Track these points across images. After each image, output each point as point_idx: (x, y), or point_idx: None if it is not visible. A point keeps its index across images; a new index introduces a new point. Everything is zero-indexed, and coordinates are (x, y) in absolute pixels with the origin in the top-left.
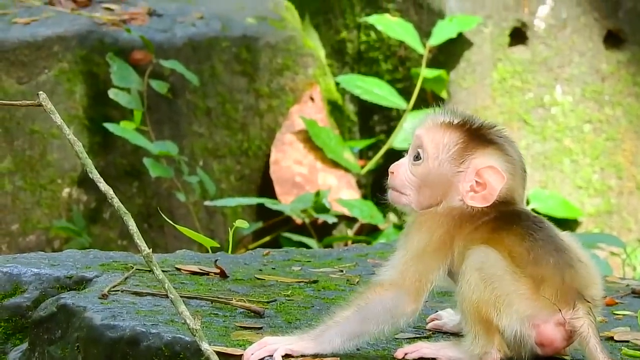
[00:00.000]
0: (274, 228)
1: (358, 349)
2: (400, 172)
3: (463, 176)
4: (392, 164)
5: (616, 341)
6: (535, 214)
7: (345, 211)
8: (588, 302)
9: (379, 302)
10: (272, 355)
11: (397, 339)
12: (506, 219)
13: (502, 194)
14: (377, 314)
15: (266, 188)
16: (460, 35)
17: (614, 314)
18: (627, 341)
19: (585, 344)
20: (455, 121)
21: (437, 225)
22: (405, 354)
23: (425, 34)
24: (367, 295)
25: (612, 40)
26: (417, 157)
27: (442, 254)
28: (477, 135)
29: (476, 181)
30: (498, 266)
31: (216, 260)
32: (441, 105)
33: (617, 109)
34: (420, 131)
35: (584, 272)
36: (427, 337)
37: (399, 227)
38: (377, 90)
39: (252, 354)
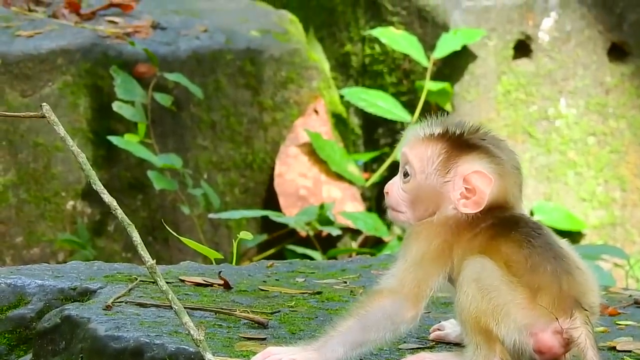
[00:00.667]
0: (279, 240)
1: (361, 359)
2: (394, 191)
3: (452, 185)
4: (387, 184)
5: (618, 351)
6: (533, 220)
7: (350, 224)
8: (585, 310)
9: (379, 309)
10: None
11: (400, 349)
12: (504, 226)
13: (495, 196)
14: (377, 321)
15: (270, 201)
16: (464, 48)
17: (617, 324)
18: (630, 351)
19: (583, 355)
20: (437, 132)
21: (435, 234)
22: None
23: (429, 46)
24: (367, 303)
25: (616, 53)
26: (405, 174)
27: (442, 261)
28: (459, 143)
29: (465, 188)
30: (494, 276)
31: (220, 272)
32: (424, 119)
33: (621, 122)
34: (405, 148)
35: (581, 279)
36: (430, 348)
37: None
38: (382, 103)
39: None
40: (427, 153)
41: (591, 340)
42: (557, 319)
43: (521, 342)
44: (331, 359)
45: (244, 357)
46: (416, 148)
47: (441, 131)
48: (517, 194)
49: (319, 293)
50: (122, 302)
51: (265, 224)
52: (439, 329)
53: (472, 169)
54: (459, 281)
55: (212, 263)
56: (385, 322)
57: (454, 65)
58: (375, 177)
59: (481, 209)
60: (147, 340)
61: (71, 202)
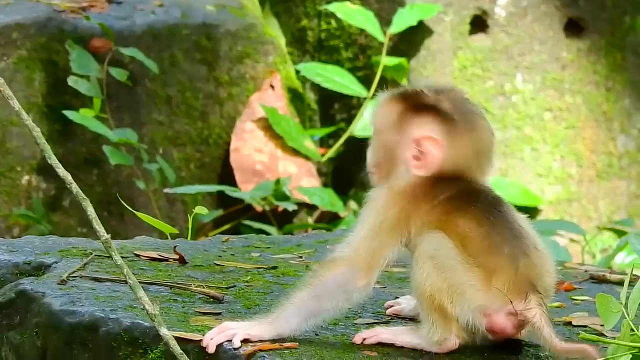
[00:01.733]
0: (235, 216)
1: (317, 335)
2: (369, 152)
3: (405, 146)
4: None
5: (574, 326)
6: (495, 195)
7: (306, 199)
8: (540, 293)
9: (332, 278)
10: (231, 341)
11: (356, 324)
12: (464, 199)
13: (450, 162)
14: (330, 291)
15: (227, 176)
16: (421, 23)
17: (573, 299)
18: (586, 326)
19: (540, 333)
20: (398, 93)
21: (393, 203)
22: (364, 340)
23: (386, 22)
24: (320, 273)
25: (573, 28)
26: (372, 136)
27: (398, 231)
28: (417, 104)
29: (418, 150)
30: (451, 255)
31: (175, 247)
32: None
33: (578, 98)
34: (371, 109)
35: (539, 261)
36: (385, 323)
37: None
38: (338, 79)
39: (212, 339)
40: (385, 113)
41: (546, 319)
42: (511, 302)
43: (475, 322)
44: (286, 331)
45: (200, 332)
46: (379, 108)
47: (405, 92)
48: (481, 162)
49: (274, 268)
50: (78, 277)
51: (221, 200)
52: (394, 305)
53: (423, 132)
54: (415, 256)
55: (167, 238)
56: (338, 291)
57: (411, 41)
58: (331, 152)
59: (432, 172)
60: (103, 315)
61: (27, 177)
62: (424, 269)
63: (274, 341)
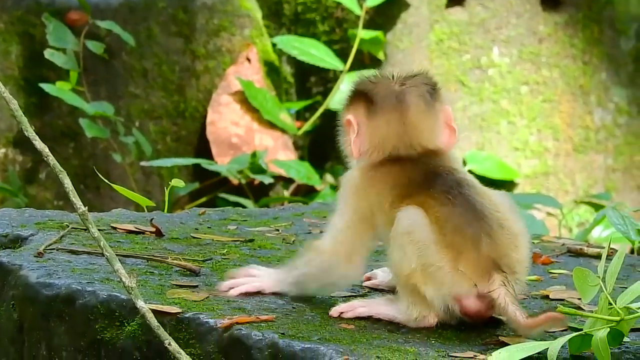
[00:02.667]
0: (211, 189)
1: (294, 307)
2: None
3: (345, 130)
4: None
5: (551, 299)
6: (456, 175)
7: (282, 172)
8: (504, 272)
9: (318, 267)
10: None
11: (332, 297)
12: (425, 181)
13: (378, 143)
14: (316, 277)
15: (203, 149)
16: None
17: (550, 272)
18: (563, 299)
19: (504, 312)
20: (358, 80)
21: (359, 190)
22: (341, 313)
23: None
24: (307, 259)
25: (550, 1)
26: None
27: (369, 219)
28: (358, 89)
29: (347, 134)
30: (424, 234)
31: (152, 219)
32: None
33: (554, 71)
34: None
35: (503, 238)
36: (362, 296)
37: (335, 188)
38: (314, 52)
39: (231, 289)
40: (344, 98)
41: (511, 297)
42: (475, 285)
43: (447, 304)
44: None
45: (176, 304)
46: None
47: (361, 78)
48: (412, 139)
49: (251, 241)
50: (54, 249)
51: (198, 172)
52: (371, 277)
53: (347, 116)
54: (391, 233)
55: (144, 211)
56: (325, 279)
57: (387, 14)
58: (307, 125)
59: (358, 156)
60: (79, 288)
61: (3, 150)
62: (400, 247)
63: (250, 314)
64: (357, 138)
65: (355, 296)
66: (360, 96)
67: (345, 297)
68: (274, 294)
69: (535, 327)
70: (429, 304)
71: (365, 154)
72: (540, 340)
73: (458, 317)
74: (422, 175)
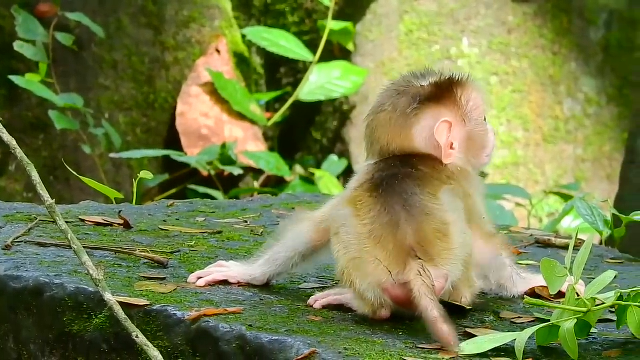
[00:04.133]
0: (181, 180)
1: (261, 299)
2: None
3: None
4: None
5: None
6: (397, 168)
7: (252, 163)
8: (420, 259)
9: (292, 231)
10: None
11: (300, 289)
12: (369, 176)
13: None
14: (287, 241)
15: (173, 141)
16: None
17: (518, 263)
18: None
19: (418, 304)
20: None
21: (356, 180)
22: (316, 301)
23: None
24: (290, 225)
25: None
26: None
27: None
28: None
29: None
30: (350, 230)
31: (120, 212)
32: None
33: (524, 61)
34: None
35: (426, 226)
36: (331, 287)
37: (304, 179)
38: (284, 43)
39: (199, 278)
40: None
41: (426, 288)
42: (390, 272)
43: (379, 297)
44: (258, 274)
45: (144, 296)
46: None
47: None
48: (374, 145)
49: (219, 232)
50: (22, 241)
51: (167, 164)
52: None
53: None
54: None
55: (112, 203)
56: (292, 243)
57: (356, 5)
58: (277, 116)
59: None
60: (47, 280)
61: None
62: (334, 245)
63: (218, 306)
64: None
65: (322, 288)
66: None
67: (313, 288)
68: (242, 285)
69: (437, 331)
70: (367, 299)
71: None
72: (508, 332)
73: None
74: (376, 170)
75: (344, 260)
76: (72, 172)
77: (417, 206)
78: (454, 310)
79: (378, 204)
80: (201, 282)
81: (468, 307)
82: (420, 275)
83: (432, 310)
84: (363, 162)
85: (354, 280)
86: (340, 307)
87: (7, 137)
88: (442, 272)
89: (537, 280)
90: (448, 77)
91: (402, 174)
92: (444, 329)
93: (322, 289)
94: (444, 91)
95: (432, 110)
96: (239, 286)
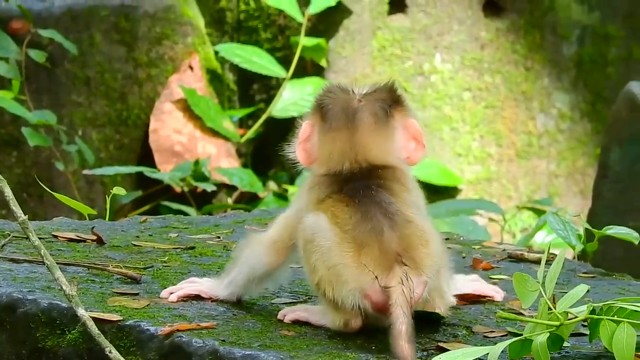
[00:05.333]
0: (154, 197)
1: (234, 314)
2: None
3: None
4: None
5: (492, 303)
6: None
7: (225, 179)
8: (405, 265)
9: (246, 254)
10: (198, 295)
11: (273, 304)
12: (341, 189)
13: (320, 156)
14: (243, 264)
15: (146, 157)
16: (339, 3)
17: (490, 278)
18: (503, 304)
19: (391, 312)
20: (329, 88)
21: (303, 193)
22: (284, 316)
23: (304, 2)
24: (243, 248)
25: (491, 8)
26: None
27: (298, 218)
28: (318, 101)
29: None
30: (326, 235)
31: (93, 227)
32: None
33: (497, 77)
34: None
35: (409, 232)
36: (303, 302)
37: (278, 195)
38: (257, 59)
39: (171, 293)
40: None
41: (403, 298)
42: (376, 277)
43: (361, 304)
44: (226, 293)
45: (117, 312)
46: None
47: (330, 88)
48: (369, 157)
49: (192, 248)
50: None
51: (141, 180)
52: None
53: (304, 123)
54: (297, 242)
55: (86, 219)
56: (247, 267)
57: (329, 21)
58: (250, 133)
59: (307, 163)
60: (20, 296)
61: None
62: (306, 257)
63: (191, 321)
64: (306, 145)
65: (295, 302)
66: (318, 108)
67: (285, 303)
68: (215, 301)
69: (395, 346)
70: (344, 307)
71: (314, 163)
72: (480, 346)
73: (373, 314)
74: (346, 185)
75: (322, 268)
76: (45, 188)
77: (397, 214)
78: (428, 321)
79: (358, 212)
80: (173, 297)
81: (442, 316)
82: (402, 283)
83: (400, 325)
84: (307, 175)
85: (333, 286)
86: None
87: None
88: (422, 279)
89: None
90: (385, 82)
91: (374, 184)
92: (406, 347)
93: (294, 303)
94: (396, 95)
95: (401, 115)
96: (211, 301)
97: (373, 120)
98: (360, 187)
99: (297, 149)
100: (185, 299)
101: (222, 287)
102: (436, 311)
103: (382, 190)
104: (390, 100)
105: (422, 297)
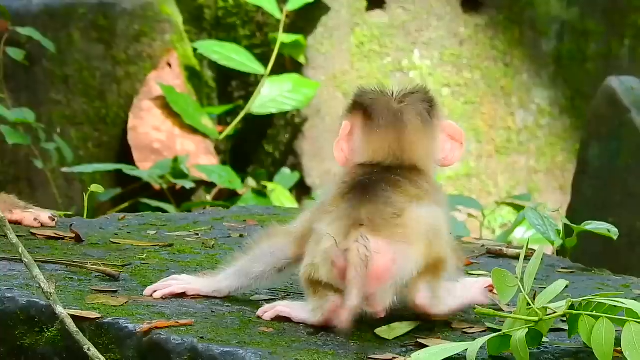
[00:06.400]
0: (133, 194)
1: (213, 311)
2: None
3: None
4: None
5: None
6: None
7: (204, 177)
8: (362, 225)
9: (268, 245)
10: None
11: (251, 300)
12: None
13: (360, 154)
14: (264, 255)
15: (124, 155)
16: (317, 0)
17: (469, 274)
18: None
19: (347, 274)
20: (363, 91)
21: (333, 188)
22: (264, 313)
23: None
24: (263, 238)
25: (470, 4)
26: None
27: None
28: (358, 101)
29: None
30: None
31: (71, 225)
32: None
33: (476, 73)
34: None
35: (381, 207)
36: (282, 298)
37: (257, 192)
38: (235, 56)
39: (155, 291)
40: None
41: (357, 257)
42: (335, 241)
43: (333, 278)
44: (224, 287)
45: (95, 309)
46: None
47: (365, 91)
48: (413, 158)
49: (170, 245)
50: None
51: (120, 178)
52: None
53: (345, 122)
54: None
55: (64, 217)
56: (270, 258)
57: (307, 17)
58: (229, 130)
59: (344, 163)
60: None
61: None
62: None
63: (169, 318)
64: (348, 145)
65: (274, 299)
66: (360, 109)
67: (264, 300)
68: (194, 298)
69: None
70: (329, 292)
71: (353, 160)
72: (460, 342)
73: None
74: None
75: (307, 259)
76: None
77: (379, 196)
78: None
79: (346, 199)
80: (158, 295)
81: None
82: (357, 242)
83: (351, 287)
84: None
85: (314, 273)
86: (290, 319)
87: None
88: (389, 247)
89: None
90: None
91: (380, 177)
92: (344, 314)
93: (273, 300)
94: (432, 98)
95: (438, 117)
96: (190, 298)
97: (420, 120)
98: (362, 179)
99: (337, 147)
100: (166, 296)
101: (220, 278)
102: (417, 300)
103: (382, 182)
104: (429, 102)
105: (387, 267)
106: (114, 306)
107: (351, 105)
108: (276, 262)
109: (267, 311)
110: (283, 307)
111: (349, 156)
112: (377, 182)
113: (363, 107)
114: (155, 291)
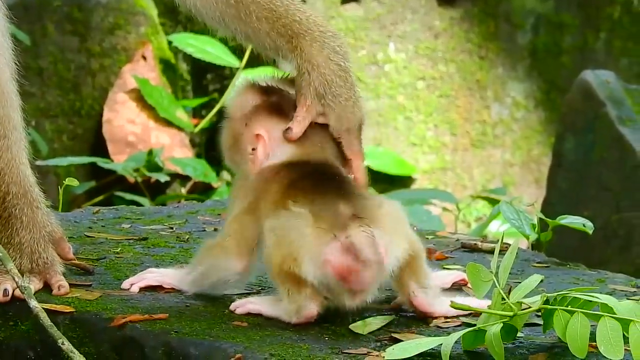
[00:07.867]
0: (108, 187)
1: (187, 306)
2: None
3: (245, 138)
4: None
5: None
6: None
7: (179, 170)
8: (360, 217)
9: (212, 263)
10: (159, 286)
11: (226, 295)
12: (301, 174)
13: (283, 153)
14: (213, 272)
15: (99, 147)
16: None
17: (444, 268)
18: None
19: (360, 253)
20: (262, 84)
21: (250, 191)
22: (236, 309)
23: None
24: (203, 256)
25: None
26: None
27: (255, 216)
28: (268, 100)
29: (252, 148)
30: (287, 219)
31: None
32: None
33: (451, 66)
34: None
35: (364, 201)
36: (256, 293)
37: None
38: (210, 49)
39: (132, 284)
40: (242, 101)
41: (367, 240)
42: (334, 235)
43: (323, 275)
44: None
45: (69, 303)
46: (237, 94)
47: (267, 83)
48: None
49: (144, 239)
50: None
51: (95, 171)
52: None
53: (259, 130)
54: (264, 236)
55: None
56: (219, 273)
57: None
58: (204, 123)
59: (257, 168)
60: None
61: None
62: (269, 243)
63: (144, 313)
64: (263, 151)
65: (249, 294)
66: (267, 111)
67: (238, 294)
68: (169, 292)
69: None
70: (305, 289)
71: (258, 167)
72: (434, 337)
73: (342, 297)
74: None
75: (281, 249)
76: None
77: (352, 190)
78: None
79: (314, 191)
80: (135, 288)
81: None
82: (361, 231)
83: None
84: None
85: (292, 266)
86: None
87: None
88: (383, 235)
89: None
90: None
91: (329, 173)
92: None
93: (248, 295)
94: None
95: None
96: (165, 292)
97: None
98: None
99: (256, 156)
100: (142, 288)
101: (188, 282)
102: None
103: (342, 177)
104: None
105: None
106: (88, 300)
107: (253, 107)
108: (225, 278)
109: (239, 307)
110: (253, 305)
111: (265, 158)
112: (333, 178)
113: (271, 109)
114: (132, 284)
